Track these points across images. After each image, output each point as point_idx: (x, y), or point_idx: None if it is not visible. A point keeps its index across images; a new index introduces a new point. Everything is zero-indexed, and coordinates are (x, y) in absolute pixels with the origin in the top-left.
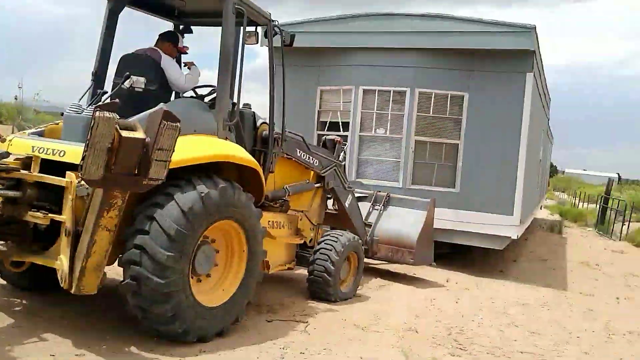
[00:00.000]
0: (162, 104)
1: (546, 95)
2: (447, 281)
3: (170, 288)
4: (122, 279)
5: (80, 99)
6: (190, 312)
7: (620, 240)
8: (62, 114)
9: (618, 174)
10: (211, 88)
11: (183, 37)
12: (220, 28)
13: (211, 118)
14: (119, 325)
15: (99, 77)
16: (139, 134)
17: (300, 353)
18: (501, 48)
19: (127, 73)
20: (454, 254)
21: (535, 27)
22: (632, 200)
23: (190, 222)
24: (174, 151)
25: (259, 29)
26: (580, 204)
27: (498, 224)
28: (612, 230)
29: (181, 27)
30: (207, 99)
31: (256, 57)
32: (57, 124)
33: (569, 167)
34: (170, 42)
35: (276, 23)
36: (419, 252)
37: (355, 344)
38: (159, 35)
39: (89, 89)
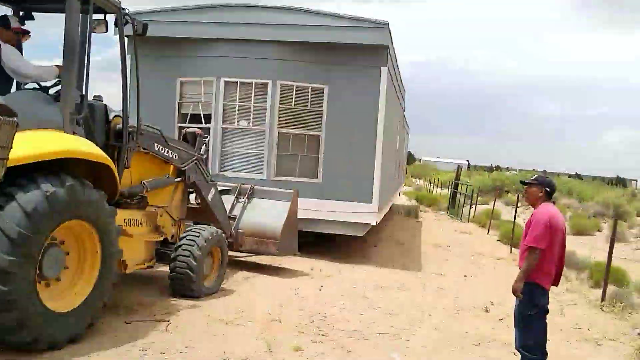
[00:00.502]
0: None
1: (401, 88)
2: (311, 270)
3: (14, 295)
4: None
5: None
6: (38, 319)
7: (468, 222)
8: None
9: (468, 160)
10: (56, 79)
11: (24, 24)
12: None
13: (56, 111)
14: None
15: None
16: None
17: (161, 353)
18: (357, 43)
19: None
20: (318, 242)
21: (388, 23)
22: (478, 184)
23: (34, 224)
24: (11, 148)
25: (109, 17)
26: (435, 189)
27: (358, 211)
28: (462, 213)
29: (21, 13)
30: (51, 91)
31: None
32: None
33: (425, 155)
34: (3, 27)
35: (127, 11)
36: (284, 242)
37: (218, 339)
38: None
39: None
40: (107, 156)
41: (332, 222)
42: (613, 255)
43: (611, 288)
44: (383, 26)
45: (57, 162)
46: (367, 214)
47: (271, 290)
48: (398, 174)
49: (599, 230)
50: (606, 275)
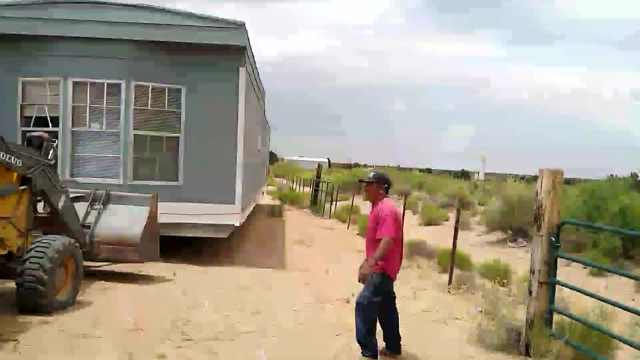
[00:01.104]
0: None
1: (260, 89)
2: (174, 275)
3: None
4: None
5: None
6: None
7: (330, 218)
8: None
9: (328, 158)
10: None
11: None
12: None
13: None
14: None
15: None
16: None
17: None
18: (215, 43)
19: None
20: (182, 246)
21: (244, 24)
22: (338, 181)
23: None
24: None
25: None
26: (298, 187)
27: (221, 213)
28: (324, 209)
29: None
30: None
31: None
32: None
33: (288, 155)
34: None
35: None
36: (144, 248)
37: (74, 354)
38: None
39: None
40: None
41: (195, 225)
42: (458, 242)
43: (457, 272)
44: (240, 27)
45: None
46: (230, 215)
47: (132, 299)
48: (261, 174)
49: (446, 220)
50: (452, 261)
